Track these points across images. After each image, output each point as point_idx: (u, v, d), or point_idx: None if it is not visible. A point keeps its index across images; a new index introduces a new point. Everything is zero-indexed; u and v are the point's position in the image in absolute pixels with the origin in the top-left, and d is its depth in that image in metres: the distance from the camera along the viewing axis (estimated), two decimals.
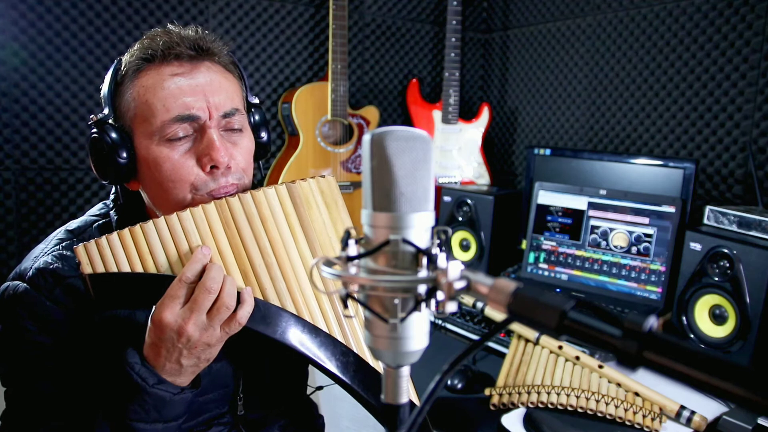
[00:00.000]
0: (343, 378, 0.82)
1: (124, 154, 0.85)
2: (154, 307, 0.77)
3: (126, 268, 0.79)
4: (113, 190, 0.97)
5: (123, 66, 0.87)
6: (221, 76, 0.89)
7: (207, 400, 0.93)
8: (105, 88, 0.88)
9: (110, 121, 0.86)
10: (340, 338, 0.84)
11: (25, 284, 0.85)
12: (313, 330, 0.83)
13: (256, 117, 0.98)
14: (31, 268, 0.86)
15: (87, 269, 0.78)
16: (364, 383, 0.83)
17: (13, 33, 1.73)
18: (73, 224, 0.95)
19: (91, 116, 0.88)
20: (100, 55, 1.86)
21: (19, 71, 1.75)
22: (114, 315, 0.87)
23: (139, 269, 0.79)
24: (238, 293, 0.78)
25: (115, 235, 0.79)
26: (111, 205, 0.95)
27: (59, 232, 0.93)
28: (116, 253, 0.79)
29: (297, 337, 0.81)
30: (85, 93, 1.85)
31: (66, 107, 1.83)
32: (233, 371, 0.96)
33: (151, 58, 0.85)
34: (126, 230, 0.79)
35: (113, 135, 0.85)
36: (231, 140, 0.88)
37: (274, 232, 0.83)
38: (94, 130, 0.86)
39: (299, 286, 0.84)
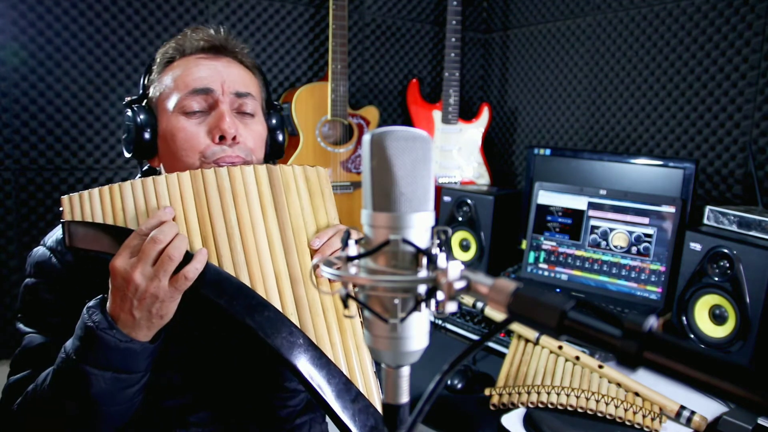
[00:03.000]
0: (286, 357, 0.81)
1: (148, 131, 0.96)
2: None
3: (99, 219, 0.85)
4: (139, 173, 1.05)
5: (156, 60, 1.00)
6: (240, 69, 1.00)
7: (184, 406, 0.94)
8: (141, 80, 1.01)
9: (139, 102, 0.98)
10: (294, 319, 0.84)
11: (44, 249, 0.97)
12: (263, 303, 0.83)
13: (274, 120, 1.07)
14: (53, 235, 0.98)
15: (67, 216, 0.85)
16: (311, 363, 0.82)
17: (13, 33, 1.73)
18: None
19: (126, 98, 0.99)
20: (100, 55, 1.86)
21: (19, 71, 1.75)
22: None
23: (111, 222, 0.85)
24: (191, 253, 0.81)
25: (96, 190, 0.85)
26: None
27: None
28: (94, 206, 0.85)
29: (242, 307, 0.82)
30: (85, 93, 1.85)
31: (66, 107, 1.83)
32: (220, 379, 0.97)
33: (182, 50, 0.98)
34: (107, 186, 0.85)
35: (141, 115, 0.96)
36: (242, 121, 0.97)
37: (243, 208, 0.86)
38: (126, 109, 0.98)
39: (259, 261, 0.85)
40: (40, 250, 0.98)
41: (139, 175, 1.04)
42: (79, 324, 0.82)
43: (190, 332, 0.93)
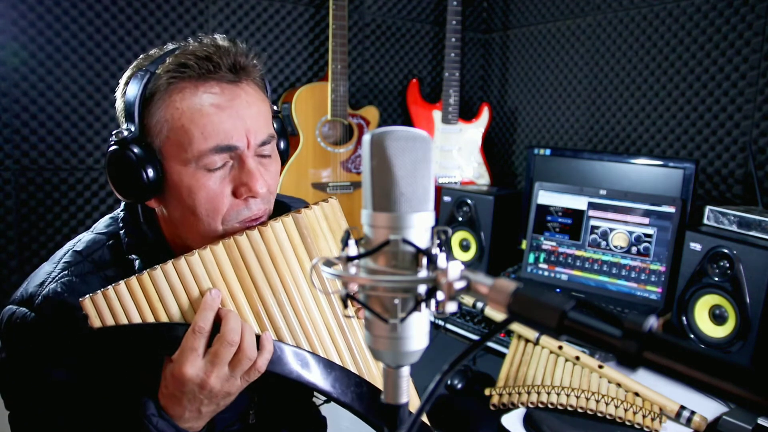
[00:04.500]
0: (359, 409, 0.82)
1: (152, 174, 0.81)
2: (167, 358, 0.76)
3: (136, 318, 0.76)
4: (122, 205, 0.93)
5: (153, 80, 0.80)
6: (258, 99, 0.85)
7: (222, 417, 0.91)
8: (130, 100, 0.81)
9: (137, 138, 0.81)
10: (353, 369, 0.84)
11: (32, 313, 0.81)
12: (329, 365, 0.82)
13: (275, 125, 0.93)
14: (38, 295, 0.82)
15: (96, 323, 0.75)
16: (379, 412, 0.83)
17: (13, 33, 1.73)
18: (80, 244, 0.89)
19: (115, 131, 0.83)
20: (100, 55, 1.86)
21: (19, 71, 1.75)
22: None
23: (150, 319, 0.76)
24: (257, 338, 0.77)
25: (122, 284, 0.76)
26: (121, 225, 0.90)
27: (67, 254, 0.88)
28: (125, 304, 0.76)
29: (313, 375, 0.81)
30: (84, 93, 1.85)
31: (66, 107, 1.83)
32: (248, 390, 0.96)
33: (186, 76, 0.80)
34: (134, 278, 0.76)
35: (140, 153, 0.80)
36: (263, 166, 0.86)
37: (283, 268, 0.82)
38: (117, 147, 0.81)
39: (311, 321, 0.83)
40: (28, 317, 0.81)
41: (121, 214, 0.92)
42: (134, 429, 0.75)
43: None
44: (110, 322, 0.75)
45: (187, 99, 0.79)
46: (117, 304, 0.75)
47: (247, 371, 0.76)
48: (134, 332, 0.76)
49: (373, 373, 0.86)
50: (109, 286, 0.75)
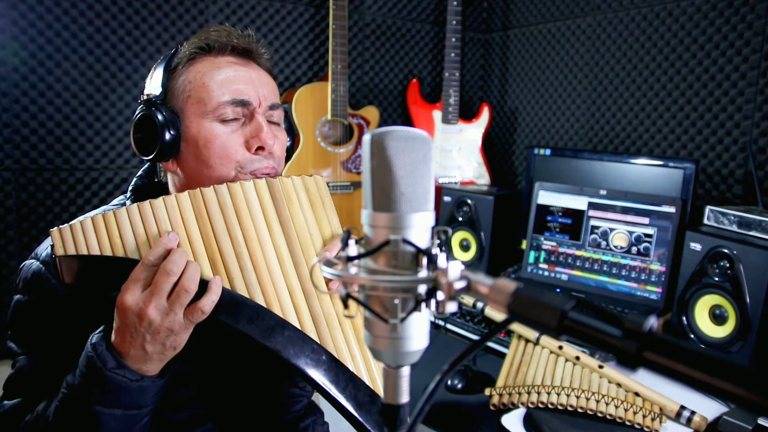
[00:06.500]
0: (310, 375, 0.79)
1: (173, 132, 0.90)
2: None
3: (96, 252, 0.80)
4: (134, 181, 1.01)
5: (177, 55, 0.94)
6: (268, 78, 0.99)
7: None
8: (158, 72, 0.94)
9: (161, 101, 0.92)
10: (313, 335, 0.82)
11: (38, 263, 0.91)
12: (281, 323, 0.80)
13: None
14: (46, 248, 0.92)
15: (59, 251, 0.80)
16: (336, 382, 0.80)
17: (13, 33, 1.73)
18: (92, 213, 0.97)
19: (142, 95, 0.94)
20: (100, 55, 1.86)
21: (19, 71, 1.75)
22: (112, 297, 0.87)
23: (108, 253, 0.80)
24: (206, 282, 0.78)
25: (88, 219, 0.81)
26: (129, 195, 0.99)
27: (78, 219, 0.96)
28: (88, 237, 0.80)
29: (261, 330, 0.79)
30: (84, 93, 1.85)
31: (66, 107, 1.83)
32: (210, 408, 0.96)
33: (207, 49, 0.93)
34: (99, 215, 0.81)
35: (164, 113, 0.90)
36: (271, 130, 0.95)
37: (248, 224, 0.83)
38: (143, 108, 0.92)
39: (271, 279, 0.82)
40: (33, 265, 0.91)
41: (141, 173, 1.02)
42: (83, 360, 0.78)
43: (195, 349, 0.86)
44: (72, 251, 0.80)
45: (207, 65, 0.93)
46: (81, 237, 0.80)
47: (191, 310, 0.76)
48: (89, 262, 0.80)
49: (339, 344, 0.83)
50: (77, 220, 0.81)
